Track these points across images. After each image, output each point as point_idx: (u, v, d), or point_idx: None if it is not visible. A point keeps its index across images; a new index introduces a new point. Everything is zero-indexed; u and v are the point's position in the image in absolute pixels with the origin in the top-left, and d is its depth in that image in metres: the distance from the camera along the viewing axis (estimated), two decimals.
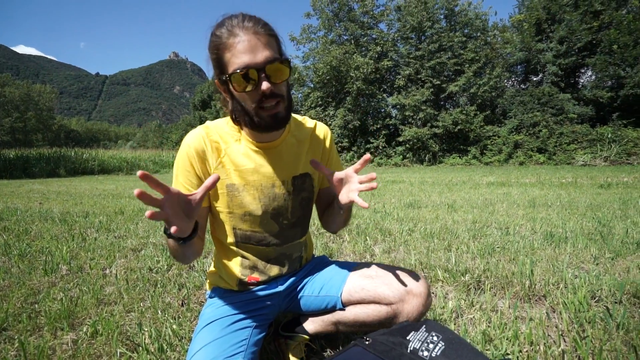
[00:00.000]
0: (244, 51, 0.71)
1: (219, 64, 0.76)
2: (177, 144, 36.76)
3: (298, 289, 1.02)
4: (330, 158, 1.00)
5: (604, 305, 1.30)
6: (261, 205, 0.88)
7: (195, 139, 0.85)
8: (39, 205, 4.63)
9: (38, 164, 13.89)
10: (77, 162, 14.95)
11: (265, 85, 0.72)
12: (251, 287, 0.96)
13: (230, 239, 0.92)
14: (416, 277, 0.90)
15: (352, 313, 0.93)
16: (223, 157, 0.86)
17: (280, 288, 0.98)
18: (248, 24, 0.73)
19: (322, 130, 0.98)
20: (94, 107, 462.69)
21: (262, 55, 0.72)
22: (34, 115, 54.04)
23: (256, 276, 0.95)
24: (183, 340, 1.14)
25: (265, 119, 0.77)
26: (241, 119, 0.82)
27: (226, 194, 0.87)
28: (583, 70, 16.76)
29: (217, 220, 0.93)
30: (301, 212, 0.96)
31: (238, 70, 0.72)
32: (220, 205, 0.89)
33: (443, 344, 0.73)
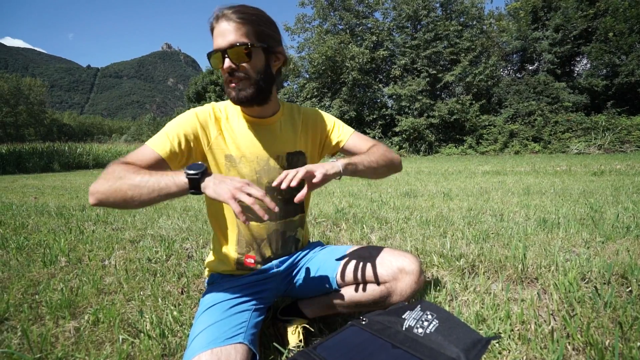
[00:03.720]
0: (217, 35, 0.84)
1: None
2: None
3: (294, 272, 1.04)
4: (335, 128, 1.07)
5: (593, 286, 1.34)
6: (257, 177, 0.94)
7: (201, 110, 0.94)
8: (35, 200, 4.60)
9: (31, 158, 13.74)
10: (72, 157, 14.80)
11: (226, 63, 0.84)
12: (249, 266, 0.98)
13: (229, 212, 0.97)
14: (408, 257, 0.93)
15: (348, 293, 0.96)
16: (223, 130, 0.93)
17: (277, 270, 1.00)
18: (227, 11, 0.83)
19: (311, 111, 1.07)
20: (87, 101, 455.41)
21: (227, 40, 0.82)
22: (25, 110, 53.15)
23: (252, 254, 0.98)
24: (184, 326, 1.16)
25: (231, 94, 0.89)
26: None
27: (224, 164, 0.93)
28: (578, 59, 16.77)
29: None
30: (295, 189, 0.98)
31: (212, 51, 0.86)
32: None
33: (437, 321, 0.76)
